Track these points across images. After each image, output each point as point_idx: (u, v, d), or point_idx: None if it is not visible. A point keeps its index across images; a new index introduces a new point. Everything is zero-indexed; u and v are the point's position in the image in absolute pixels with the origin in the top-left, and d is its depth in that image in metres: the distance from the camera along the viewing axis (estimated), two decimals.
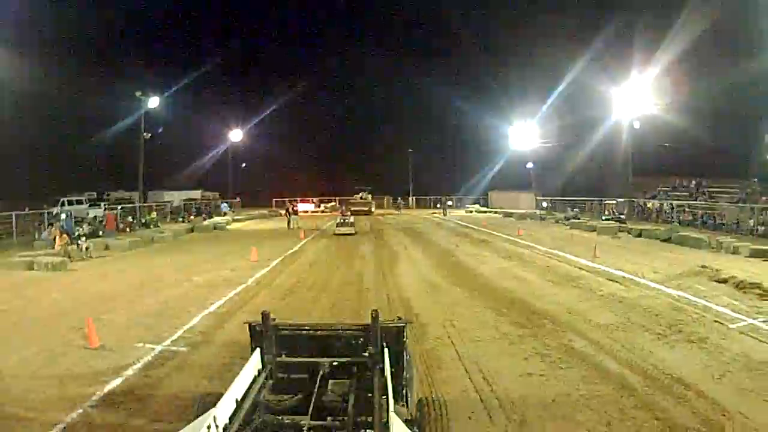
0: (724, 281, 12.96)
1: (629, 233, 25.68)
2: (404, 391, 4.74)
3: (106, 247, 21.14)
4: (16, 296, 12.27)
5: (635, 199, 37.96)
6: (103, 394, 6.21)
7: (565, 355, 7.46)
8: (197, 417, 3.49)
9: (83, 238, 20.11)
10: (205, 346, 8.14)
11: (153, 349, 7.86)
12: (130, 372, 6.93)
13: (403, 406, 4.59)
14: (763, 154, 36.27)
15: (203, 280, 13.64)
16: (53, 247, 19.36)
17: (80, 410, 5.75)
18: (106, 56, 54.91)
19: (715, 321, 9.37)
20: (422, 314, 9.97)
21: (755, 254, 17.72)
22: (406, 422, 3.57)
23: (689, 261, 16.27)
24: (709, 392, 6.14)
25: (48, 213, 28.10)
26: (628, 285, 12.58)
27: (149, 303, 11.01)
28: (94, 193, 46.35)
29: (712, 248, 19.58)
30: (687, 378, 6.57)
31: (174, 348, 7.97)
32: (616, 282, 12.97)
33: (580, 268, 15.12)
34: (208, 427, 3.20)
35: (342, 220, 28.28)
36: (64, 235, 19.52)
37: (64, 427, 5.37)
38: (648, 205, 36.59)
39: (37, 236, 23.20)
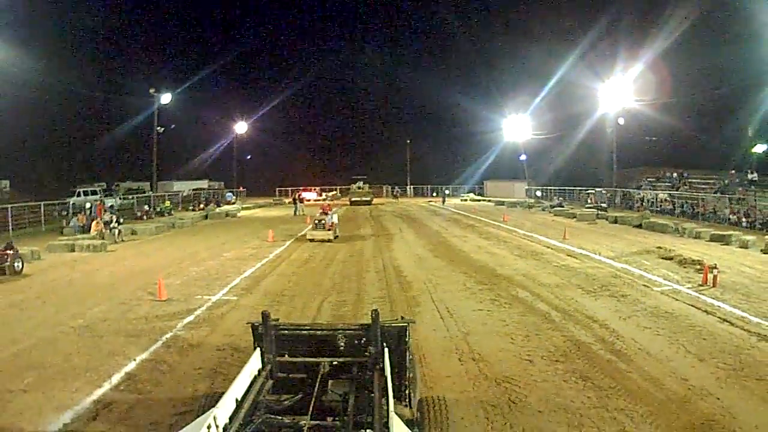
0: (670, 258, 15.29)
1: (606, 220, 28.20)
2: (407, 392, 4.77)
3: (133, 232, 23.55)
4: (74, 271, 14.68)
5: (619, 189, 40.25)
6: (183, 324, 8.86)
7: (509, 300, 10.21)
8: (198, 417, 3.55)
9: (115, 224, 22.57)
10: (249, 295, 10.89)
11: (210, 298, 10.57)
12: (198, 312, 9.61)
13: (405, 406, 4.70)
14: (746, 146, 38.40)
15: (232, 255, 16.30)
16: (81, 233, 21.79)
17: (170, 333, 8.37)
18: (113, 54, 57.35)
19: (644, 285, 11.90)
20: (409, 276, 12.85)
21: (714, 238, 19.99)
22: (408, 423, 3.64)
23: (649, 243, 18.69)
24: (611, 325, 8.70)
25: (72, 203, 30.52)
26: (582, 259, 15.21)
27: (195, 271, 13.66)
28: (104, 184, 48.51)
29: (678, 233, 21.94)
30: (597, 317, 9.16)
31: (226, 297, 10.71)
32: (573, 257, 15.60)
33: (547, 247, 17.76)
34: (208, 427, 3.23)
35: (317, 221, 20.29)
36: (100, 221, 22.03)
37: (165, 340, 7.99)
38: (641, 195, 38.46)
39: (65, 223, 25.60)
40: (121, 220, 27.45)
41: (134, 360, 7.20)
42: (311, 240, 19.38)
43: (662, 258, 15.45)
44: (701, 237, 20.58)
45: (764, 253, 16.93)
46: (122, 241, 21.20)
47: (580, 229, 23.61)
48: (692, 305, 10.15)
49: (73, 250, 18.39)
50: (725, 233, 20.26)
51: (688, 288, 11.62)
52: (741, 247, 18.38)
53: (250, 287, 11.73)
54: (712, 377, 6.64)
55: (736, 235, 19.63)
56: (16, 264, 14.28)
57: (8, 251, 14.18)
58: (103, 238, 20.44)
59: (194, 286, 11.87)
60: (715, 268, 12.60)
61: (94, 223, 22.00)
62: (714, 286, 11.68)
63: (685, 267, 14.04)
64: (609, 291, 11.17)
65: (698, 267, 13.68)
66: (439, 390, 5.91)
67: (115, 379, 6.58)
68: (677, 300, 10.58)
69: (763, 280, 12.52)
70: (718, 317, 9.33)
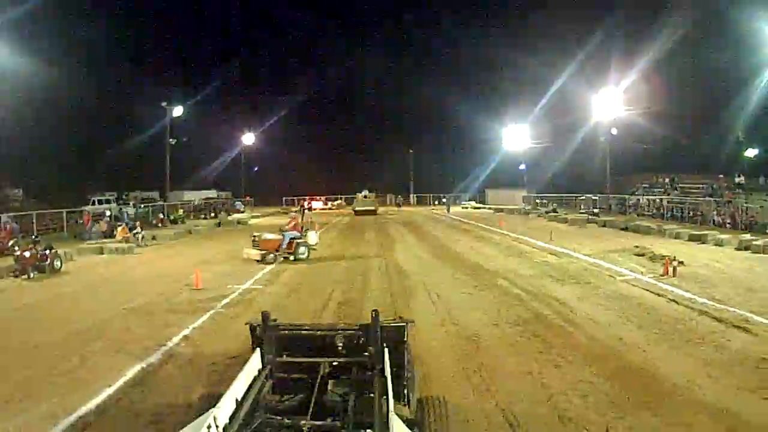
0: (643, 255, 16.87)
1: (596, 224, 30.00)
2: (405, 392, 4.81)
3: (153, 238, 25.43)
4: (108, 269, 16.55)
5: (612, 195, 41.92)
6: (221, 305, 10.85)
7: (489, 287, 12.21)
8: (197, 417, 3.56)
9: (139, 229, 24.55)
10: (272, 285, 12.96)
11: (239, 287, 12.57)
12: (232, 296, 11.64)
13: (404, 406, 4.77)
14: (734, 151, 40.04)
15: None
16: (103, 238, 23.60)
17: (213, 311, 10.35)
18: (124, 69, 59.63)
19: (609, 275, 13.70)
20: (407, 270, 14.87)
21: (692, 238, 21.53)
22: (407, 423, 3.68)
23: (629, 243, 20.28)
24: (569, 303, 10.55)
25: (92, 211, 32.58)
26: (561, 256, 17.10)
27: (220, 269, 15.62)
28: (115, 193, 50.44)
29: (660, 234, 23.56)
30: (559, 297, 11.06)
31: (253, 287, 12.74)
32: (554, 255, 17.51)
33: (532, 247, 19.70)
34: (208, 427, 3.26)
35: (254, 237, 17.49)
36: (125, 227, 24.04)
37: (210, 315, 9.95)
38: (641, 201, 39.78)
39: (86, 229, 27.50)
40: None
41: (187, 328, 9.11)
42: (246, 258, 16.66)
43: (635, 255, 16.96)
44: (680, 237, 22.03)
45: (737, 250, 18.32)
46: (145, 245, 23.00)
47: (569, 233, 25.46)
48: (647, 290, 11.76)
49: (101, 253, 20.08)
50: (702, 233, 21.73)
51: (649, 277, 13.16)
52: (716, 245, 19.61)
53: (272, 279, 13.78)
54: (645, 339, 8.24)
55: (711, 235, 21.00)
56: (55, 263, 15.93)
57: (47, 251, 15.80)
58: (128, 242, 22.37)
59: (223, 279, 13.82)
60: (675, 259, 14.30)
61: (120, 228, 23.95)
62: (674, 276, 13.14)
63: (653, 262, 15.51)
64: (576, 280, 13.05)
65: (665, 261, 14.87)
66: (425, 342, 7.87)
67: (176, 339, 8.49)
68: (635, 286, 12.26)
69: (725, 272, 14.00)
70: (668, 298, 10.89)
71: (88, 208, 35.08)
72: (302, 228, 17.43)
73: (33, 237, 17.78)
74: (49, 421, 5.65)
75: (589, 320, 9.33)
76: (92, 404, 6.07)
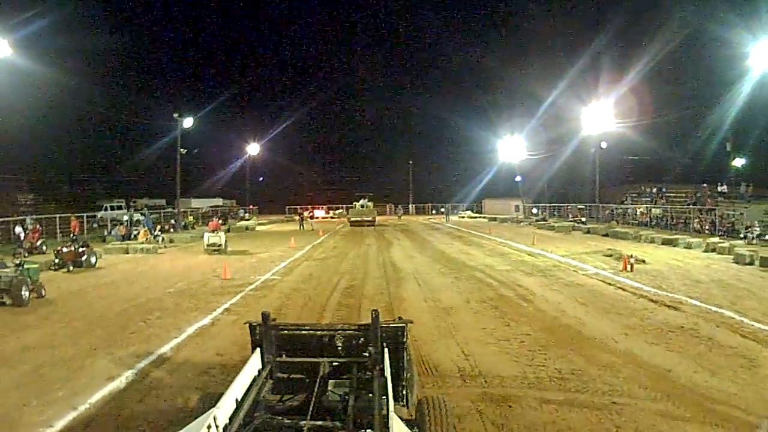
0: (611, 255, 18.98)
1: (581, 231, 32.25)
2: (404, 392, 4.87)
3: (171, 241, 27.72)
4: (139, 265, 18.67)
5: (601, 204, 44.08)
6: (248, 290, 13.29)
7: (468, 278, 14.71)
8: (197, 417, 3.59)
9: (159, 232, 26.93)
10: (287, 276, 15.43)
11: (261, 278, 15.07)
12: (256, 283, 14.13)
13: (403, 406, 4.84)
14: (718, 161, 42.14)
15: (265, 256, 20.78)
16: (122, 241, 25.68)
17: (243, 293, 12.77)
18: (134, 80, 62.31)
19: (573, 270, 16.04)
20: (401, 267, 17.36)
21: (665, 242, 23.66)
22: (407, 423, 3.73)
23: (604, 246, 22.43)
24: (531, 289, 12.97)
25: (100, 216, 35.08)
26: (537, 256, 19.53)
27: (240, 265, 18.04)
28: (123, 200, 52.56)
29: (636, 239, 25.66)
30: (524, 285, 13.49)
31: (272, 277, 15.22)
32: (531, 255, 19.96)
33: (514, 250, 22.17)
34: (208, 427, 3.28)
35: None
36: (147, 230, 26.47)
37: (242, 295, 12.36)
38: (620, 210, 41.80)
39: (105, 233, 29.75)
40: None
41: (225, 304, 11.55)
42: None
43: (605, 255, 19.08)
44: (654, 242, 24.12)
45: (705, 252, 20.33)
46: (165, 246, 25.19)
47: (552, 238, 27.85)
48: (602, 281, 13.94)
49: (127, 252, 22.15)
50: (674, 237, 23.74)
51: (608, 272, 15.28)
52: (686, 248, 21.59)
53: (287, 272, 16.27)
54: (584, 312, 10.43)
55: (682, 239, 23.11)
56: (91, 258, 18.03)
57: (83, 248, 17.86)
58: (150, 243, 24.55)
59: (246, 272, 16.34)
60: (632, 257, 16.36)
61: (142, 231, 26.37)
62: (631, 271, 15.19)
63: (618, 260, 17.32)
64: (543, 273, 15.47)
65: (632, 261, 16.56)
66: (410, 310, 10.32)
67: (219, 310, 10.95)
68: (592, 278, 14.48)
69: (681, 269, 15.94)
70: (617, 287, 13.02)
71: (101, 214, 37.45)
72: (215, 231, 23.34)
73: (71, 236, 19.99)
74: (140, 356, 7.96)
75: (542, 299, 11.72)
76: (167, 347, 8.44)
